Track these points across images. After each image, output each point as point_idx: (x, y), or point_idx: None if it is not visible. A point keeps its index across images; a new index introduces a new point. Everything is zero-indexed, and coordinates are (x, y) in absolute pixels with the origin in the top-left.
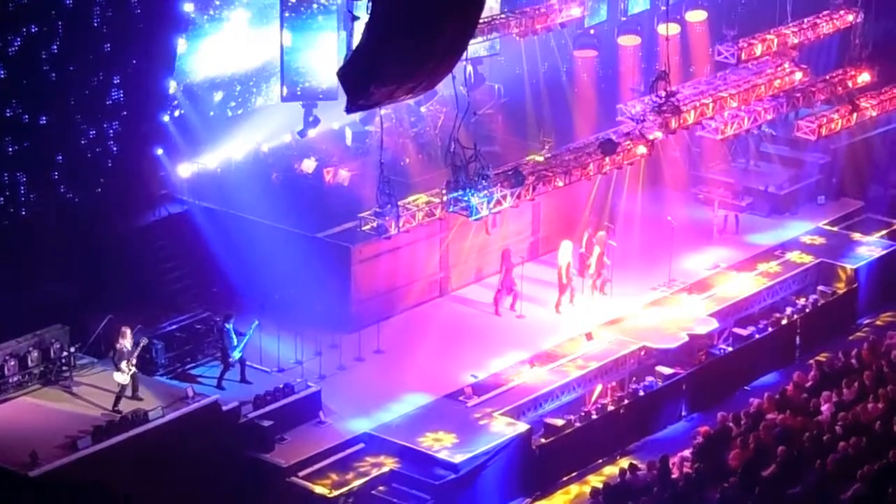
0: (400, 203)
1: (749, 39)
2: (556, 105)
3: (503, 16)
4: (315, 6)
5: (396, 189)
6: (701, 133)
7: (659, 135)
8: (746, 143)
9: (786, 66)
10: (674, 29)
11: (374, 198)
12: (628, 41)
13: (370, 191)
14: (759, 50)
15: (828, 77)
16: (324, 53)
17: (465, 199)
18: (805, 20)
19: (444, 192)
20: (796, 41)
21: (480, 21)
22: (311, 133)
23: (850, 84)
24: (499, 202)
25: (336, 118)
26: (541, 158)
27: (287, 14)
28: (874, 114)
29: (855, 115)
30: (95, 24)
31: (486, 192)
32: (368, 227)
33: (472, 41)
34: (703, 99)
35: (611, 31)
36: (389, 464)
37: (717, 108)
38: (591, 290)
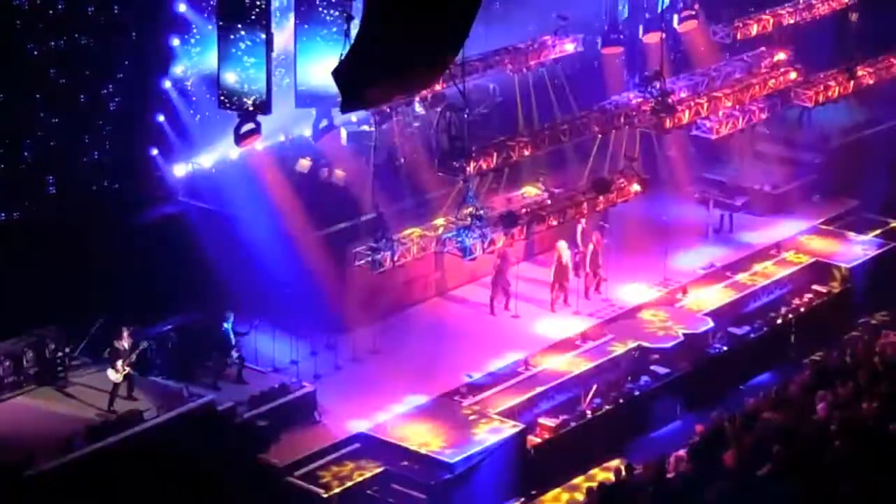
0: (395, 237)
1: (745, 20)
2: (546, 106)
3: (496, 55)
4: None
5: (392, 188)
6: (696, 133)
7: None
8: (741, 142)
9: (780, 55)
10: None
11: (369, 198)
12: (653, 38)
13: (366, 191)
14: (754, 30)
15: (822, 76)
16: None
17: (460, 239)
18: (801, 0)
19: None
20: (791, 21)
21: (474, 59)
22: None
23: None
24: (493, 242)
25: (335, 116)
26: (536, 191)
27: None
28: (871, 82)
29: (852, 82)
30: (89, 24)
31: (479, 232)
32: (364, 262)
33: (467, 78)
34: (697, 99)
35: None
36: (385, 464)
37: (711, 107)
38: (586, 289)
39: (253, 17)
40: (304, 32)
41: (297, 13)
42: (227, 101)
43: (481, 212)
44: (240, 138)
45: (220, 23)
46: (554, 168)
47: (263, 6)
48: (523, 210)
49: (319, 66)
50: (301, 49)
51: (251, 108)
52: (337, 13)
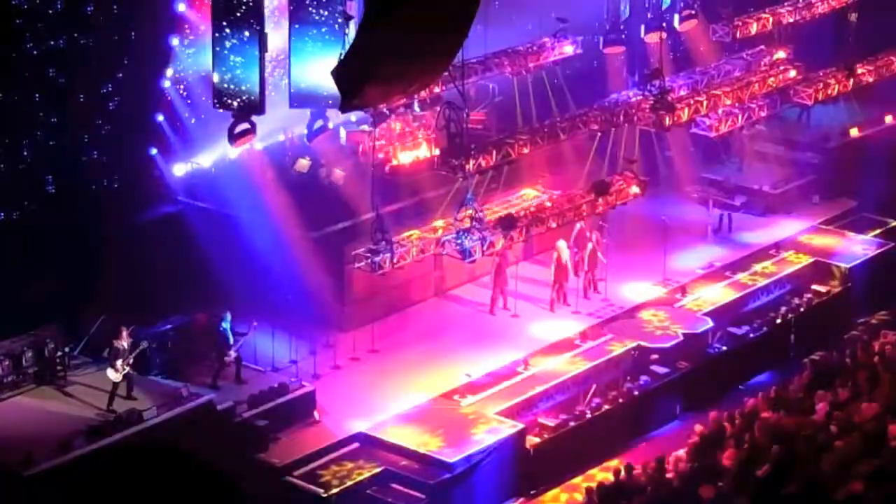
0: (394, 239)
1: (744, 18)
2: (545, 106)
3: (495, 57)
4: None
5: (389, 192)
6: (695, 131)
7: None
8: (740, 142)
9: (780, 53)
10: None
11: (367, 198)
12: (653, 38)
13: (364, 190)
14: (754, 28)
15: (822, 74)
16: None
17: (459, 241)
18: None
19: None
20: (791, 20)
21: (473, 62)
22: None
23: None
24: (492, 244)
25: (330, 118)
26: (535, 193)
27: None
28: (871, 80)
29: (851, 80)
30: (89, 24)
31: (478, 234)
32: (362, 264)
33: (460, 81)
34: (696, 96)
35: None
36: (384, 463)
37: (710, 105)
38: (585, 288)
39: (239, 14)
40: (296, 32)
41: (290, 13)
42: (219, 101)
43: (480, 214)
44: (234, 138)
45: (214, 22)
46: (553, 170)
47: (251, 4)
48: (522, 212)
49: (312, 67)
50: (294, 49)
51: (242, 108)
52: (327, 13)
